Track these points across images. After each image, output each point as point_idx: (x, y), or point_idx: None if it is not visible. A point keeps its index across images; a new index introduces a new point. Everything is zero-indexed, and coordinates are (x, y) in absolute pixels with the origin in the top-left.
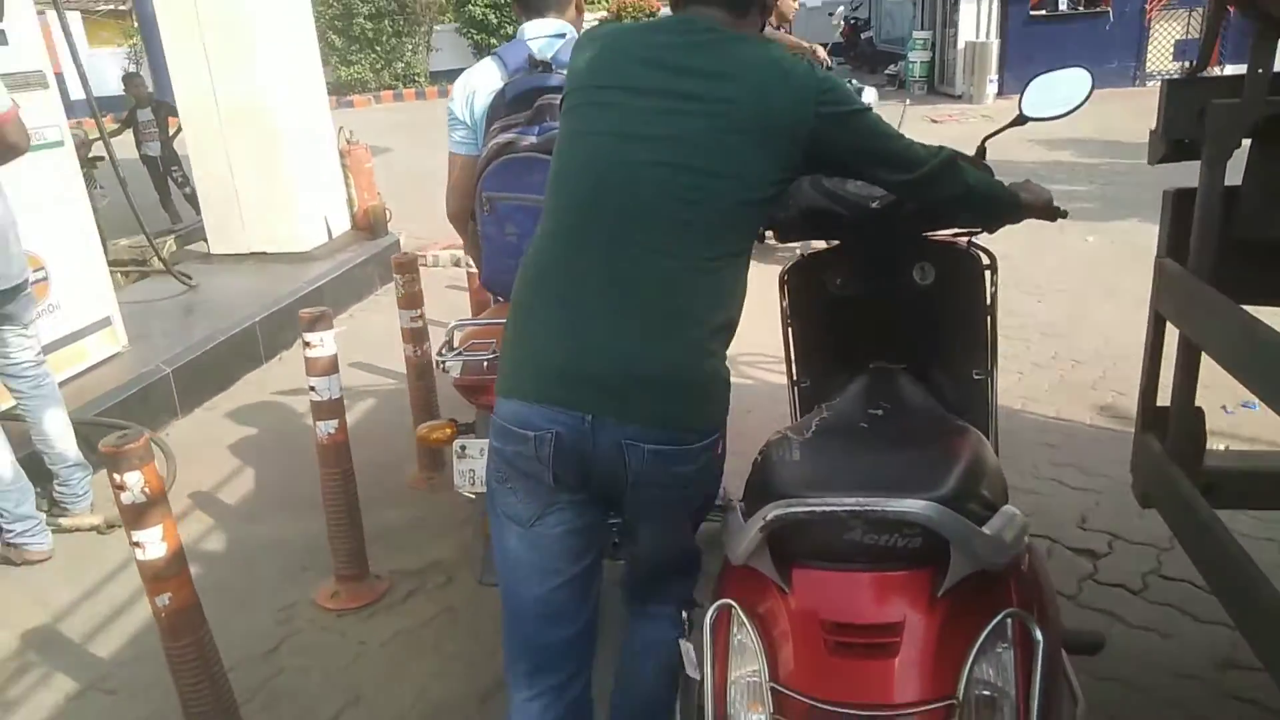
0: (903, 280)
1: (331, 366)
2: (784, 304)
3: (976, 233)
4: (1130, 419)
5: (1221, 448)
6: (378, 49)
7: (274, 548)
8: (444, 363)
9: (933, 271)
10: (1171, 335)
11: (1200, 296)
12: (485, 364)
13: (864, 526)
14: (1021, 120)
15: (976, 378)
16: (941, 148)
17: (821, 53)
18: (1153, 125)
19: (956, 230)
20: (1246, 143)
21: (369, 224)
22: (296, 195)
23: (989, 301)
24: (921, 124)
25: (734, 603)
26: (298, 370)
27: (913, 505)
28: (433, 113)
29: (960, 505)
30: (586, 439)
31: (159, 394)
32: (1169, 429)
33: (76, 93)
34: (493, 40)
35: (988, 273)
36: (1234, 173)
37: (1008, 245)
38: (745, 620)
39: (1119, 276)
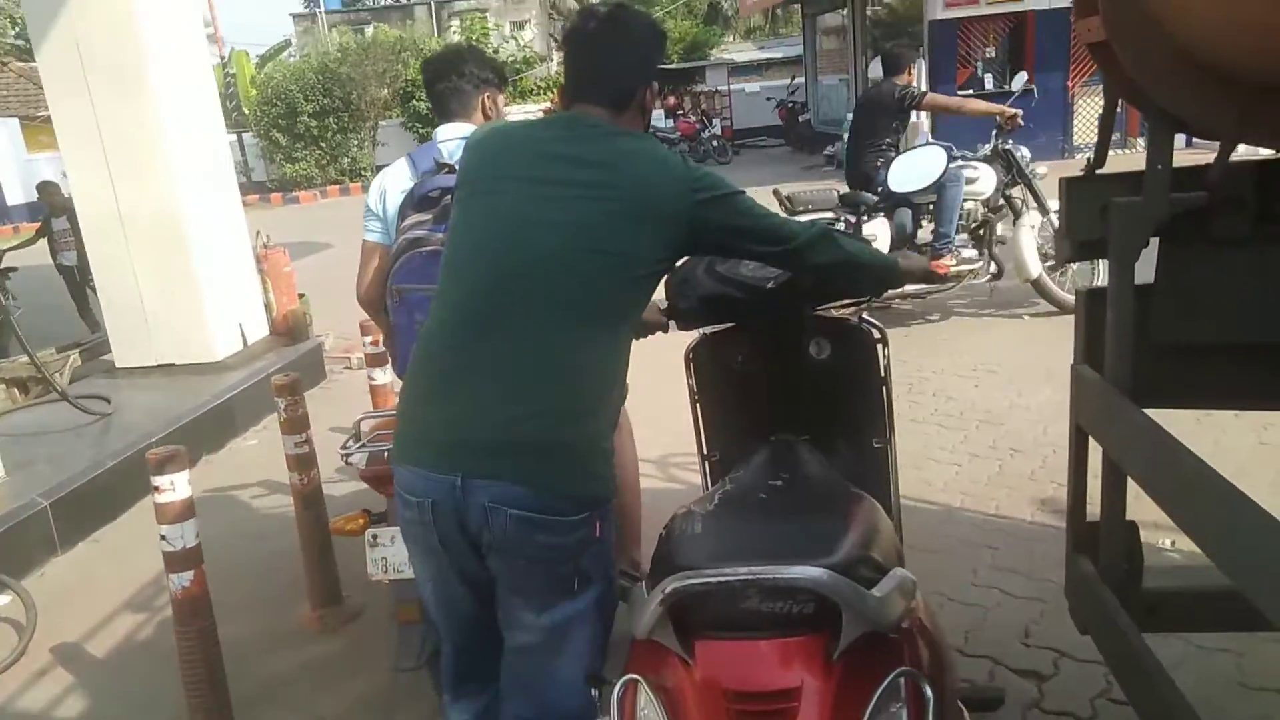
0: (800, 355)
1: (185, 512)
2: (690, 380)
3: (865, 303)
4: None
5: (1168, 543)
6: (322, 145)
7: (137, 713)
8: (349, 455)
9: (828, 346)
10: (1096, 447)
11: (1119, 411)
12: (387, 454)
13: (759, 595)
14: (886, 195)
15: (876, 446)
16: (814, 223)
17: (1010, 112)
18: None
19: (847, 302)
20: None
21: (288, 329)
22: (206, 303)
23: (883, 373)
24: None
25: (639, 677)
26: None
27: (803, 572)
28: None
29: (851, 570)
30: (460, 501)
31: (35, 530)
32: (1099, 549)
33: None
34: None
35: (879, 345)
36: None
37: (940, 327)
38: (651, 694)
39: (1054, 354)
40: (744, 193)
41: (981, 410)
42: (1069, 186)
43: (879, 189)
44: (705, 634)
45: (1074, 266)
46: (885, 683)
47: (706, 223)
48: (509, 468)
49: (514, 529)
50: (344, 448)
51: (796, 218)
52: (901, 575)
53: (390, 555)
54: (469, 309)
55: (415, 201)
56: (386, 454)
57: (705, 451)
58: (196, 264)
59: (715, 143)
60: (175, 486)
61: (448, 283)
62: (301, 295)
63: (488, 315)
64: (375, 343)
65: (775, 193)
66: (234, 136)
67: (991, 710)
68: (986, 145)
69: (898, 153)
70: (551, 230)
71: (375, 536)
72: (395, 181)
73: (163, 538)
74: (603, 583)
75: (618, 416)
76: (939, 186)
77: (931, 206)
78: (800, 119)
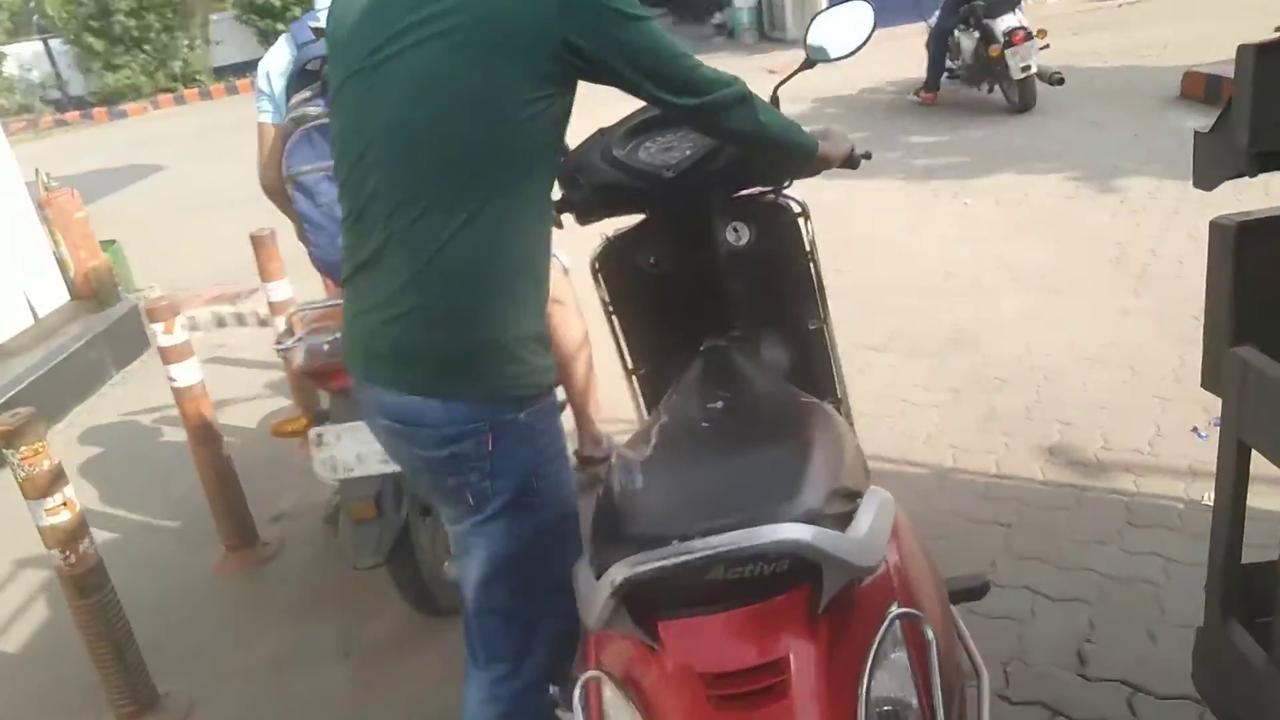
0: (717, 246)
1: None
2: (600, 293)
3: (781, 189)
4: (1088, 463)
5: None
6: (146, 48)
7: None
8: (284, 349)
9: (746, 231)
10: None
11: None
12: (326, 346)
13: (725, 563)
14: (810, 63)
15: (812, 328)
16: (736, 78)
17: None
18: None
19: (759, 190)
20: None
21: (92, 291)
22: None
23: (809, 249)
24: (759, 76)
25: (602, 674)
26: None
27: (775, 533)
28: (220, 115)
29: (825, 511)
30: (369, 412)
31: None
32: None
33: None
34: (279, 25)
35: (801, 220)
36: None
37: (883, 226)
38: (618, 690)
39: (1012, 247)
40: (649, 19)
41: (950, 327)
42: (1257, 59)
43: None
44: (669, 613)
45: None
46: (881, 630)
47: (586, 44)
48: (383, 373)
49: (388, 441)
50: (278, 343)
51: None
52: (880, 499)
53: (338, 454)
54: (354, 200)
55: (298, 76)
56: (327, 345)
57: (631, 366)
58: None
59: None
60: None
61: (338, 173)
62: (109, 243)
63: (367, 206)
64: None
65: None
66: (39, 45)
67: (976, 600)
68: None
69: None
70: (400, 92)
71: (320, 436)
72: (276, 60)
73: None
74: (512, 493)
75: (535, 309)
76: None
77: None
78: None
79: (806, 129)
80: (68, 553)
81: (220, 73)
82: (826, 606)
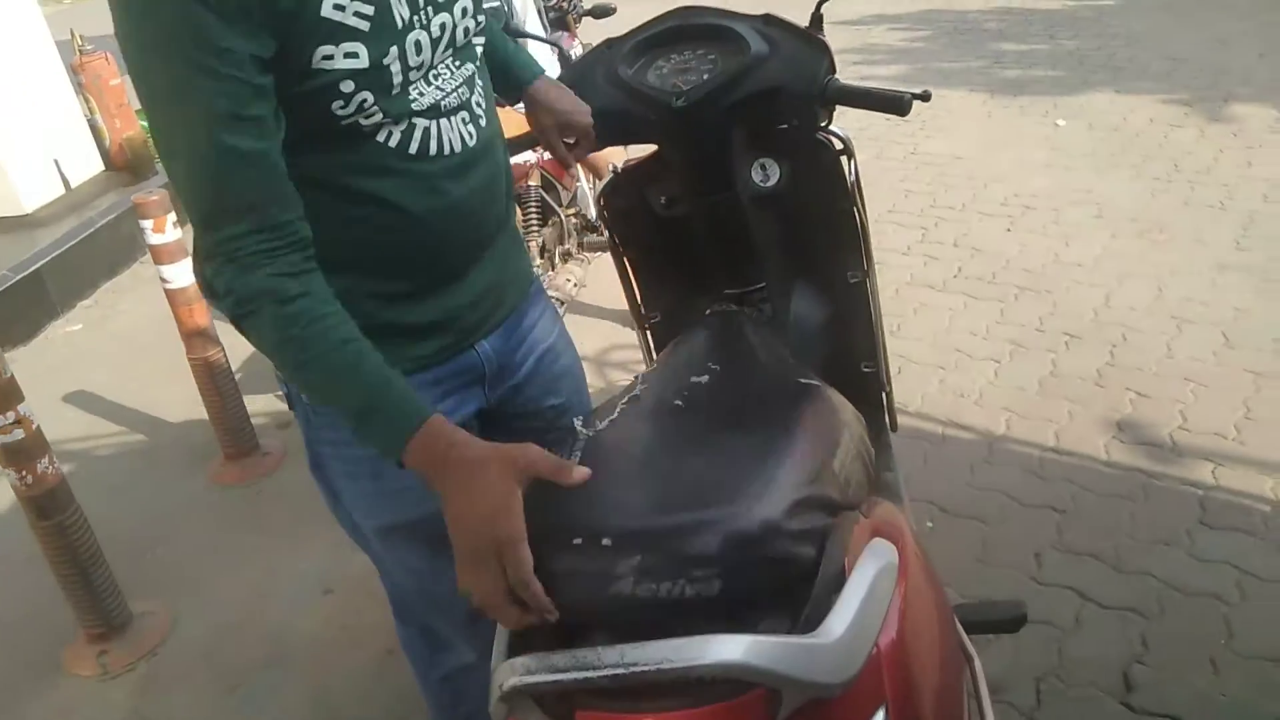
0: (740, 187)
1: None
2: (608, 232)
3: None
4: (1161, 445)
5: None
6: None
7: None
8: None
9: (775, 169)
10: None
11: None
12: None
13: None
14: None
15: (852, 281)
16: None
17: None
18: None
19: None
20: None
21: (127, 162)
22: None
23: (852, 191)
24: None
25: None
26: None
27: (701, 651)
28: None
29: (781, 526)
30: None
31: None
32: None
33: None
34: None
35: (844, 159)
36: None
37: (961, 144)
38: None
39: (1102, 180)
40: None
41: (1019, 268)
42: None
43: None
44: (589, 705)
45: None
46: None
47: None
48: None
49: None
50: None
51: None
52: (877, 567)
53: None
54: None
55: None
56: None
57: (644, 312)
58: None
59: None
60: None
61: None
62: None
63: None
64: None
65: None
66: None
67: (1009, 632)
68: None
69: None
70: None
71: None
72: None
73: None
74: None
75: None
76: None
77: None
78: None
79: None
80: (24, 473)
81: None
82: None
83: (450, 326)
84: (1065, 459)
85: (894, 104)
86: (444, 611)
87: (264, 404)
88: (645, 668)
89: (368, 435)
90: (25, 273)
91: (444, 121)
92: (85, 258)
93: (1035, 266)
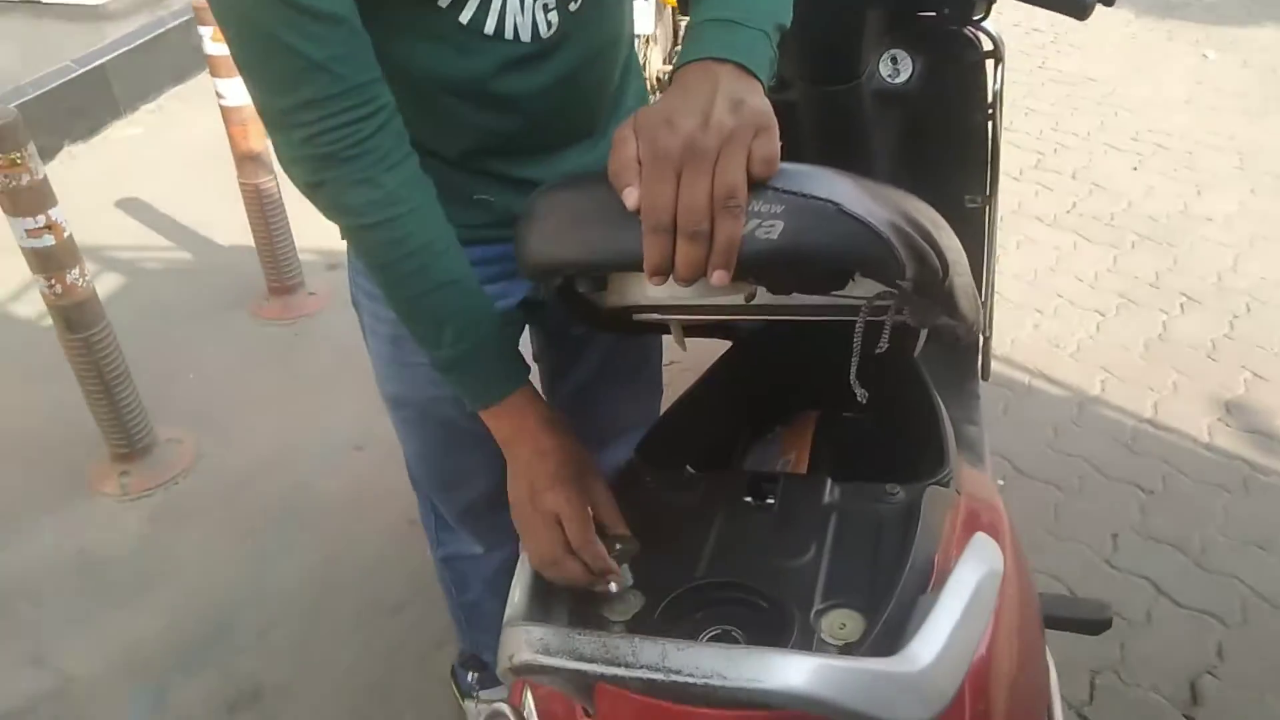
0: (865, 78)
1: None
2: None
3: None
4: (1271, 436)
5: None
6: None
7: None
8: None
9: (909, 64)
10: None
11: None
12: None
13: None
14: None
15: (970, 206)
16: None
17: None
18: None
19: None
20: None
21: None
22: None
23: (991, 101)
24: None
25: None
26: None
27: (763, 678)
28: None
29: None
30: None
31: None
32: None
33: None
34: None
35: (991, 63)
36: None
37: (1096, 67)
38: None
39: (1251, 126)
40: None
41: (1141, 213)
42: None
43: None
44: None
45: None
46: None
47: None
48: None
49: None
50: None
51: None
52: (979, 575)
53: None
54: None
55: None
56: None
57: None
58: None
59: None
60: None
61: None
62: None
63: None
64: None
65: None
66: None
67: (1092, 634)
68: None
69: None
70: None
71: None
72: None
73: None
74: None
75: None
76: None
77: None
78: None
79: None
80: (54, 281)
81: None
82: None
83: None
84: (1161, 434)
85: (1073, 5)
86: (446, 497)
87: (315, 239)
88: (690, 679)
89: (449, 378)
90: (90, 66)
91: (514, 2)
92: (152, 59)
93: (1160, 214)
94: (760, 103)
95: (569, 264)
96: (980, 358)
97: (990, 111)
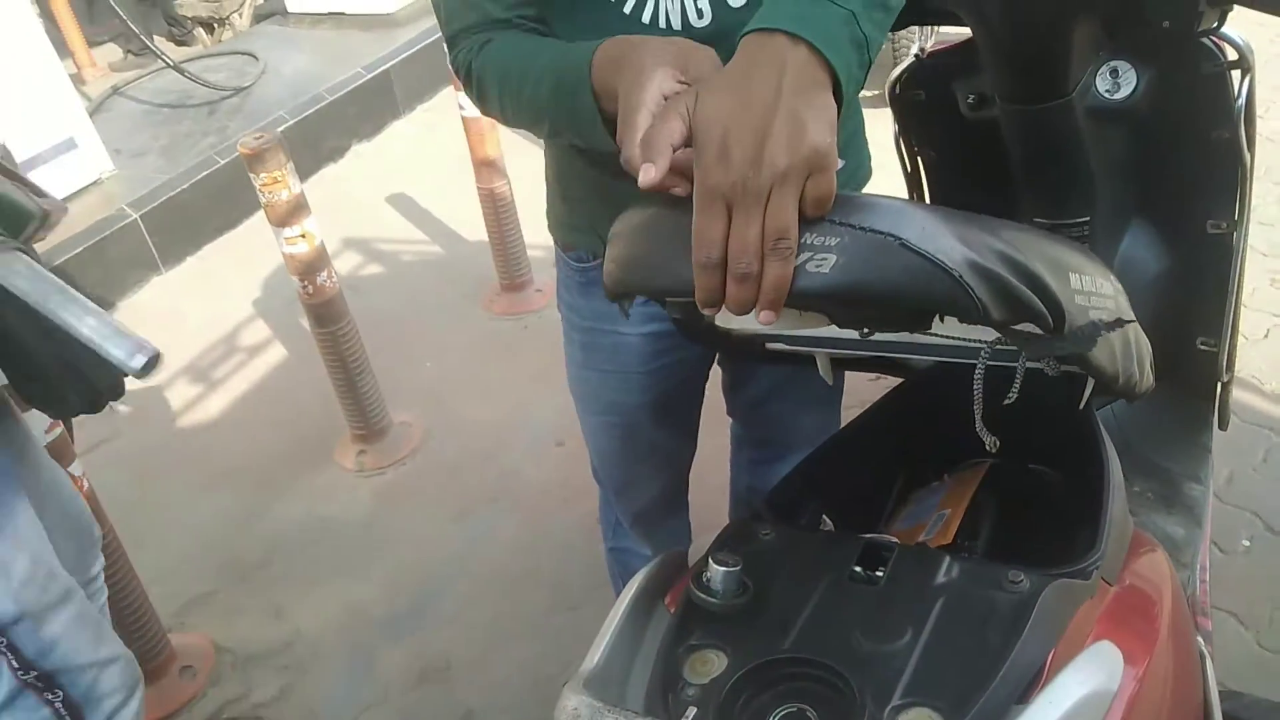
0: (1076, 93)
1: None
2: (896, 129)
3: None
4: None
5: None
6: None
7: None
8: None
9: (1132, 76)
10: None
11: None
12: None
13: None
14: None
15: (1213, 231)
16: None
17: None
18: None
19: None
20: None
21: None
22: None
23: (1236, 119)
24: None
25: None
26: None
27: None
28: None
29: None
30: None
31: (126, 247)
32: None
33: None
34: None
35: (1236, 75)
36: None
37: None
38: None
39: None
40: None
41: None
42: None
43: None
44: None
45: None
46: None
47: None
48: None
49: None
50: None
51: None
52: (1071, 697)
53: None
54: None
55: None
56: None
57: None
58: None
59: None
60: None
61: None
62: None
63: None
64: None
65: None
66: None
67: None
68: None
69: None
70: None
71: None
72: None
73: None
74: None
75: None
76: None
77: None
78: None
79: None
80: (306, 283)
81: None
82: None
83: None
84: None
85: None
86: (620, 500)
87: (544, 237)
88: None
89: (562, 95)
90: (376, 71)
91: None
92: (431, 62)
93: None
94: (821, 132)
95: (634, 288)
96: (1215, 407)
97: (1237, 124)
